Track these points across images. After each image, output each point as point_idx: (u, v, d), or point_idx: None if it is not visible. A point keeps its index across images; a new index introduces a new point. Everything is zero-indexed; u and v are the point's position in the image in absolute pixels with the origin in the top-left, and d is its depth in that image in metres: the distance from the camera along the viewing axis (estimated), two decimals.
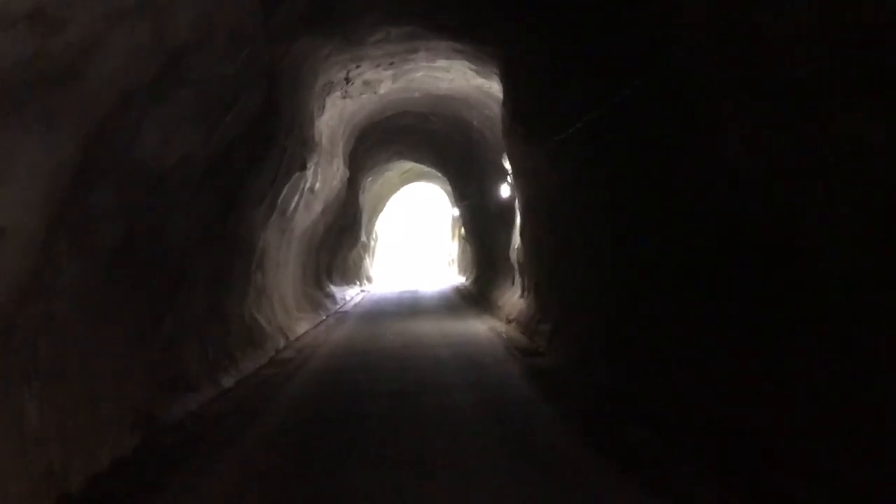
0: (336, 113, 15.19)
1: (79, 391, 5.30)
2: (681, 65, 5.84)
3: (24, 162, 4.16)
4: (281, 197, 12.00)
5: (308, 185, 13.97)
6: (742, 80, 5.15)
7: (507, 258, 16.56)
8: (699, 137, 5.97)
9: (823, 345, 4.67)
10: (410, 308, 19.30)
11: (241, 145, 8.40)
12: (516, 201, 14.73)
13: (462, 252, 32.25)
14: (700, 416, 5.61)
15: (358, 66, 13.06)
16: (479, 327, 14.13)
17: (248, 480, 5.47)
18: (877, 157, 4.14)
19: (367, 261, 32.18)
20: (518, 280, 15.01)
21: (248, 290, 10.83)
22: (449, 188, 28.82)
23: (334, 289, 21.21)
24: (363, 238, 28.59)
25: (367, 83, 14.29)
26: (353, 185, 20.87)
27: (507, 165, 14.64)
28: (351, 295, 22.83)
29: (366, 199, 26.55)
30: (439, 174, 27.55)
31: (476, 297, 20.71)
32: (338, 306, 19.62)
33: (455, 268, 34.98)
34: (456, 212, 29.76)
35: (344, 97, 14.57)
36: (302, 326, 14.37)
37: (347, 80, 13.57)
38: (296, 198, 13.35)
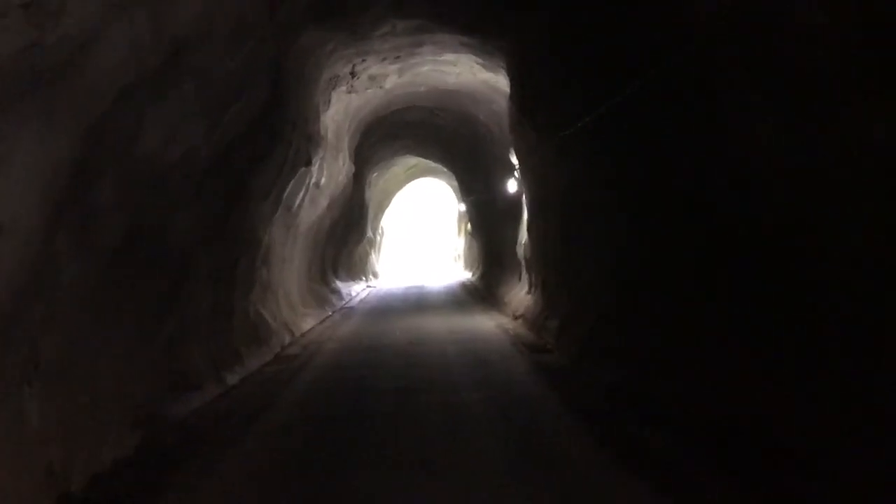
0: (341, 108, 15.10)
1: (80, 390, 5.25)
2: (689, 61, 5.76)
3: (21, 157, 4.08)
4: (286, 192, 11.94)
5: (313, 180, 13.91)
6: (748, 78, 5.09)
7: (514, 254, 16.46)
8: (701, 137, 5.93)
9: (823, 345, 4.69)
10: (416, 304, 19.23)
11: (245, 141, 8.32)
12: (523, 197, 14.62)
13: (468, 248, 32.18)
14: (703, 414, 5.62)
15: (364, 61, 12.96)
16: (486, 323, 14.04)
17: (250, 480, 5.42)
18: (878, 157, 4.13)
19: (373, 256, 32.13)
20: (525, 276, 14.91)
21: (254, 287, 10.77)
22: (455, 183, 28.74)
23: (340, 284, 21.16)
24: (369, 233, 28.54)
25: (372, 78, 14.20)
26: (358, 181, 20.80)
27: (514, 160, 14.53)
28: (357, 290, 22.77)
29: (371, 194, 26.48)
30: (445, 169, 27.46)
31: (482, 292, 20.61)
32: (343, 302, 19.57)
33: (461, 263, 34.92)
34: (462, 207, 29.69)
35: (349, 92, 14.48)
36: (307, 322, 14.31)
37: (353, 74, 13.48)
38: (301, 193, 13.28)
